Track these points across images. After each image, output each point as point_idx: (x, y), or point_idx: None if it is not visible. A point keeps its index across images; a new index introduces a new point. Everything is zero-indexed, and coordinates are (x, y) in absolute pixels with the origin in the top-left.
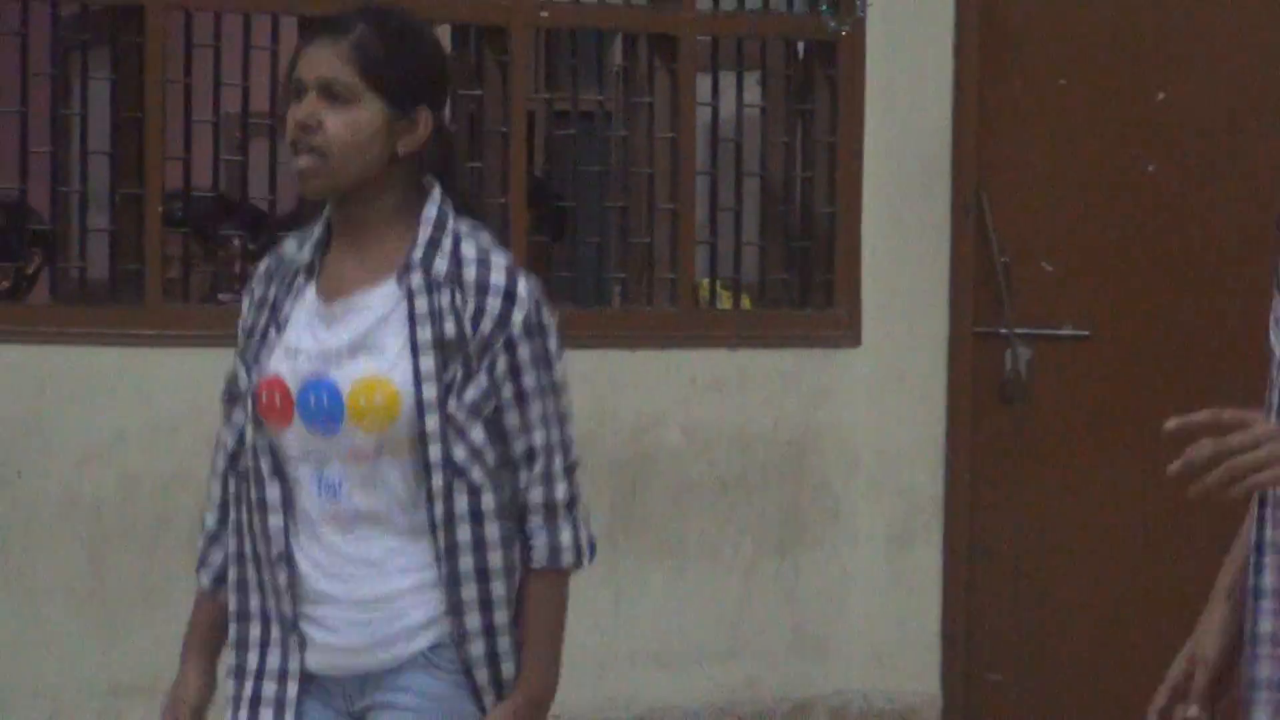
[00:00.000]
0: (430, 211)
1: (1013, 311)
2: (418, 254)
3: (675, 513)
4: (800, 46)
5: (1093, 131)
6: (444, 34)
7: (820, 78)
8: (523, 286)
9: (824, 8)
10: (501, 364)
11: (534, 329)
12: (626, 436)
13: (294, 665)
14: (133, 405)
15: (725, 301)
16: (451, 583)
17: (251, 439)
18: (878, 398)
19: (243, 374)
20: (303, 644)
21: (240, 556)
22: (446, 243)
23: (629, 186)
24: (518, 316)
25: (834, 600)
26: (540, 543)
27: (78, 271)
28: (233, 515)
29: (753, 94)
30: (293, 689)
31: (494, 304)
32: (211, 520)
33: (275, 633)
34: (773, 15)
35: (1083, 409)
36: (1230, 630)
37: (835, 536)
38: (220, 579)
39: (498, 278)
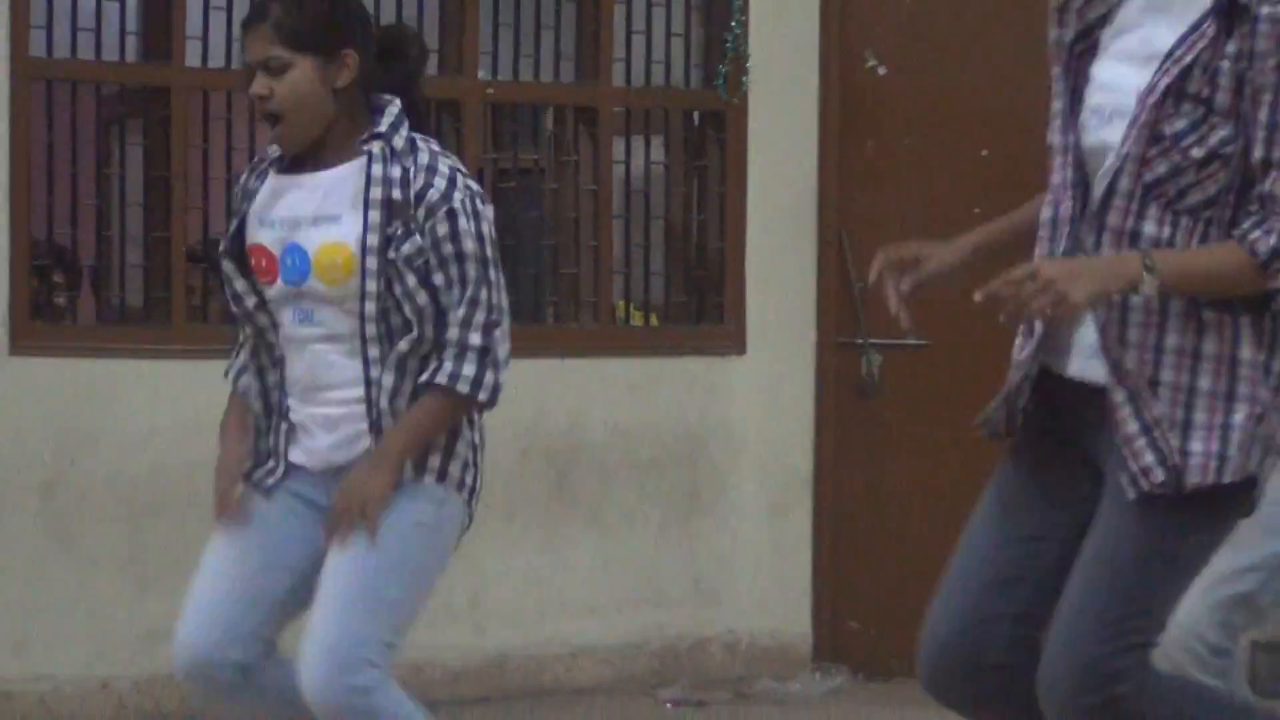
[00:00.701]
0: (393, 109)
1: (867, 326)
2: (383, 127)
3: (599, 491)
4: (696, 115)
5: (931, 181)
6: None
7: (712, 140)
8: (467, 177)
9: (718, 83)
10: (443, 228)
11: (472, 208)
12: (559, 430)
13: (283, 446)
14: (163, 407)
15: (637, 320)
16: (371, 392)
17: (238, 290)
18: (759, 396)
19: (226, 241)
20: (291, 432)
21: (259, 369)
22: (405, 131)
23: (559, 228)
24: (459, 196)
25: (725, 558)
26: (444, 368)
27: (118, 299)
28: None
29: (658, 153)
30: (281, 467)
31: (440, 183)
32: (244, 354)
33: (275, 420)
34: (674, 90)
35: (923, 404)
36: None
37: (726, 508)
38: (245, 391)
39: (445, 165)
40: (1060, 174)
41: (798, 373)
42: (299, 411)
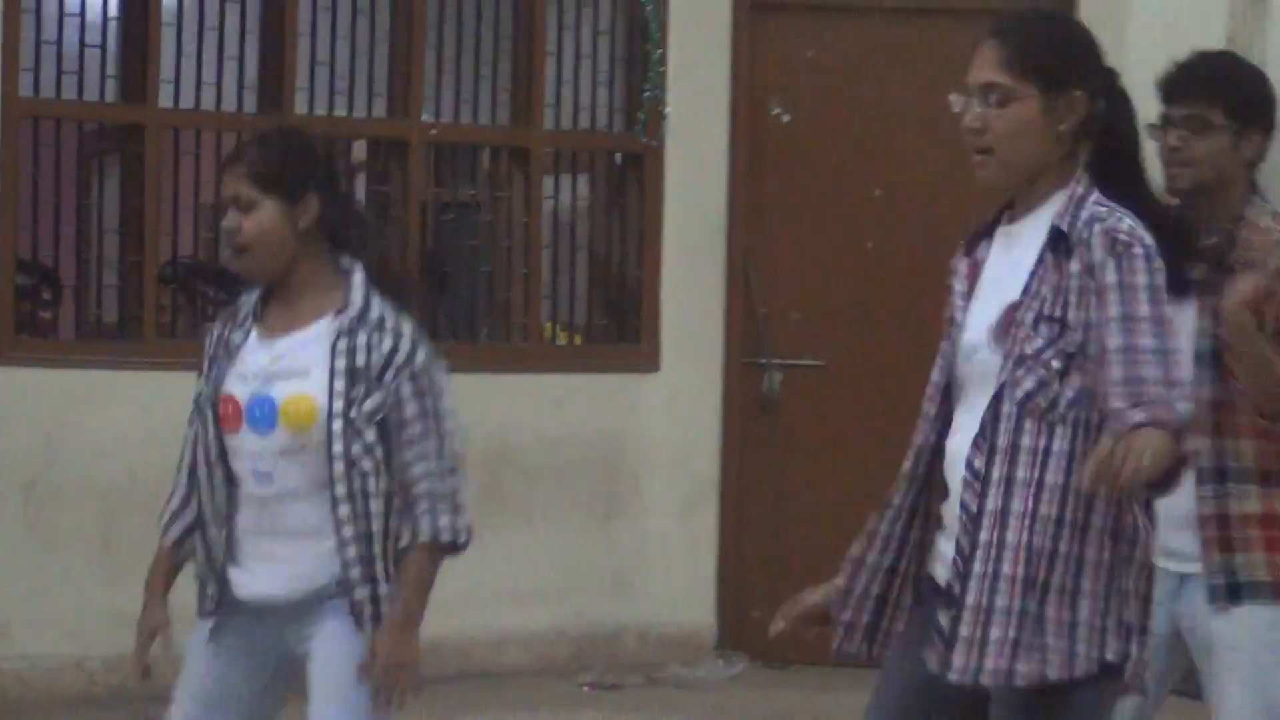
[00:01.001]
0: (358, 279)
1: (769, 347)
2: (354, 297)
3: (527, 492)
4: (618, 156)
5: (829, 216)
6: (360, 147)
7: (632, 179)
8: (424, 342)
9: (638, 128)
10: (406, 388)
11: (428, 369)
12: (492, 437)
13: (227, 597)
14: (135, 415)
15: (563, 339)
16: (340, 544)
17: (209, 438)
18: (672, 409)
19: (206, 389)
20: (229, 585)
21: (201, 523)
22: (371, 299)
23: (493, 257)
24: (419, 358)
25: (640, 555)
26: (425, 525)
27: (95, 316)
28: (192, 495)
29: (583, 190)
30: (224, 613)
31: (405, 345)
32: (176, 500)
33: (213, 578)
34: (598, 133)
35: (819, 417)
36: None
37: (640, 509)
38: (178, 542)
39: (407, 328)
40: (934, 405)
41: (706, 388)
42: (251, 553)
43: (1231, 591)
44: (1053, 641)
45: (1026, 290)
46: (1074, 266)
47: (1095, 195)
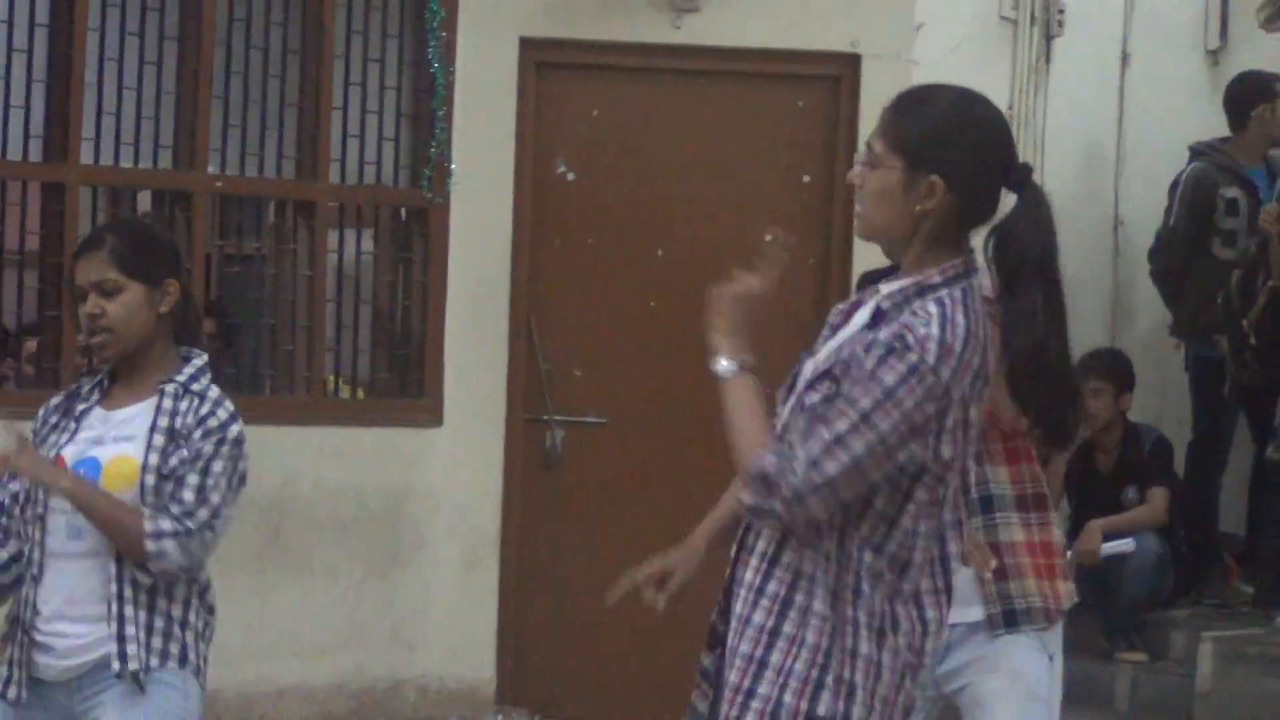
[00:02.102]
0: (199, 361)
1: (552, 404)
2: (181, 377)
3: (306, 544)
4: (403, 211)
5: (612, 276)
6: (145, 198)
7: (417, 234)
8: (236, 418)
9: (423, 184)
10: (208, 445)
11: (238, 440)
12: (273, 489)
13: (26, 658)
14: None
15: (345, 393)
16: (120, 600)
17: (32, 495)
18: (455, 464)
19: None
20: (33, 646)
21: (19, 579)
22: (203, 380)
23: (278, 309)
24: (233, 429)
25: (421, 608)
26: (155, 518)
27: None
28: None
29: (368, 245)
30: (23, 681)
31: (222, 414)
32: None
33: (20, 634)
34: (384, 189)
35: (600, 474)
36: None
37: (422, 562)
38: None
39: (229, 405)
40: None
41: (489, 444)
42: (46, 627)
43: (1008, 618)
44: (764, 689)
45: (831, 352)
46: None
47: (957, 292)
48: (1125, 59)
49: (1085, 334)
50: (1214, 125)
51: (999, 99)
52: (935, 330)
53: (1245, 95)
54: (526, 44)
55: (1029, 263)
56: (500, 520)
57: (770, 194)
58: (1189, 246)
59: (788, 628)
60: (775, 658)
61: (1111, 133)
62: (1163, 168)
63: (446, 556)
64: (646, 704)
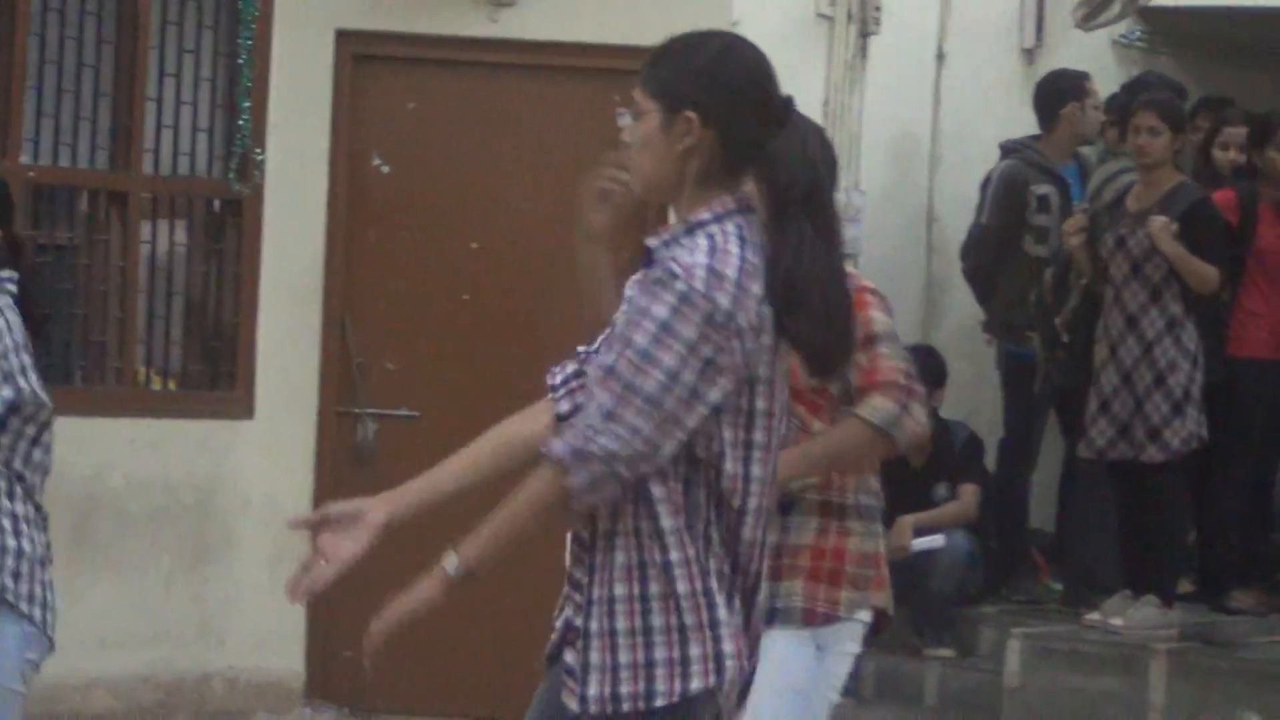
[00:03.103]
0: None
1: (364, 397)
2: None
3: (116, 537)
4: (216, 203)
5: (426, 269)
6: None
7: (230, 225)
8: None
9: (230, 175)
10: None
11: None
12: (83, 480)
13: None
14: None
15: (157, 384)
16: None
17: None
18: (266, 457)
19: None
20: None
21: None
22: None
23: (89, 300)
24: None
25: (230, 601)
26: None
27: None
28: None
29: (181, 236)
30: None
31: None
32: None
33: None
34: (197, 180)
35: (412, 467)
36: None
37: (232, 556)
38: None
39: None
40: None
41: (301, 436)
42: None
43: (768, 614)
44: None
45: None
46: None
47: (730, 226)
48: (941, 57)
49: (899, 330)
50: (1029, 123)
51: (815, 96)
52: (703, 258)
53: (1055, 94)
54: (343, 36)
55: (795, 197)
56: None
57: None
58: (1000, 243)
59: (635, 588)
60: (621, 623)
61: (926, 130)
62: (977, 165)
63: (256, 549)
64: (455, 698)
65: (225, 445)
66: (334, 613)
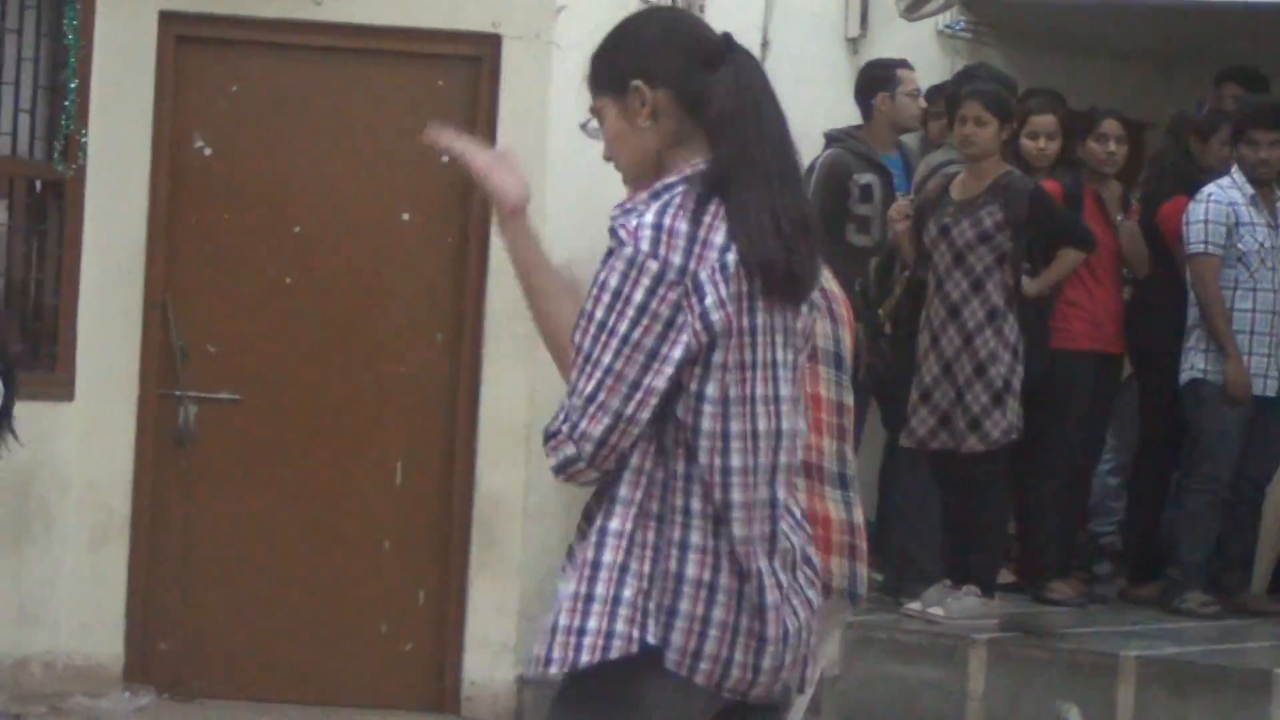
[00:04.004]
0: None
1: (186, 380)
2: None
3: None
4: (38, 184)
5: (248, 252)
6: None
7: (52, 207)
8: None
9: (55, 156)
10: None
11: None
12: None
13: None
14: None
15: None
16: None
17: None
18: (87, 440)
19: None
20: None
21: None
22: None
23: None
24: None
25: (49, 584)
26: None
27: None
28: None
29: (2, 216)
30: None
31: None
32: None
33: None
34: (19, 160)
35: (234, 451)
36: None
37: (52, 539)
38: None
39: None
40: None
41: (121, 420)
42: None
43: None
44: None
45: None
46: None
47: (695, 183)
48: (765, 45)
49: None
50: (854, 113)
51: None
52: (650, 218)
53: (867, 83)
54: (166, 17)
55: (724, 120)
56: (131, 497)
57: (409, 173)
58: (823, 231)
59: (607, 556)
60: (600, 589)
61: None
62: (802, 154)
63: (76, 533)
64: (274, 683)
65: (45, 427)
66: (153, 597)
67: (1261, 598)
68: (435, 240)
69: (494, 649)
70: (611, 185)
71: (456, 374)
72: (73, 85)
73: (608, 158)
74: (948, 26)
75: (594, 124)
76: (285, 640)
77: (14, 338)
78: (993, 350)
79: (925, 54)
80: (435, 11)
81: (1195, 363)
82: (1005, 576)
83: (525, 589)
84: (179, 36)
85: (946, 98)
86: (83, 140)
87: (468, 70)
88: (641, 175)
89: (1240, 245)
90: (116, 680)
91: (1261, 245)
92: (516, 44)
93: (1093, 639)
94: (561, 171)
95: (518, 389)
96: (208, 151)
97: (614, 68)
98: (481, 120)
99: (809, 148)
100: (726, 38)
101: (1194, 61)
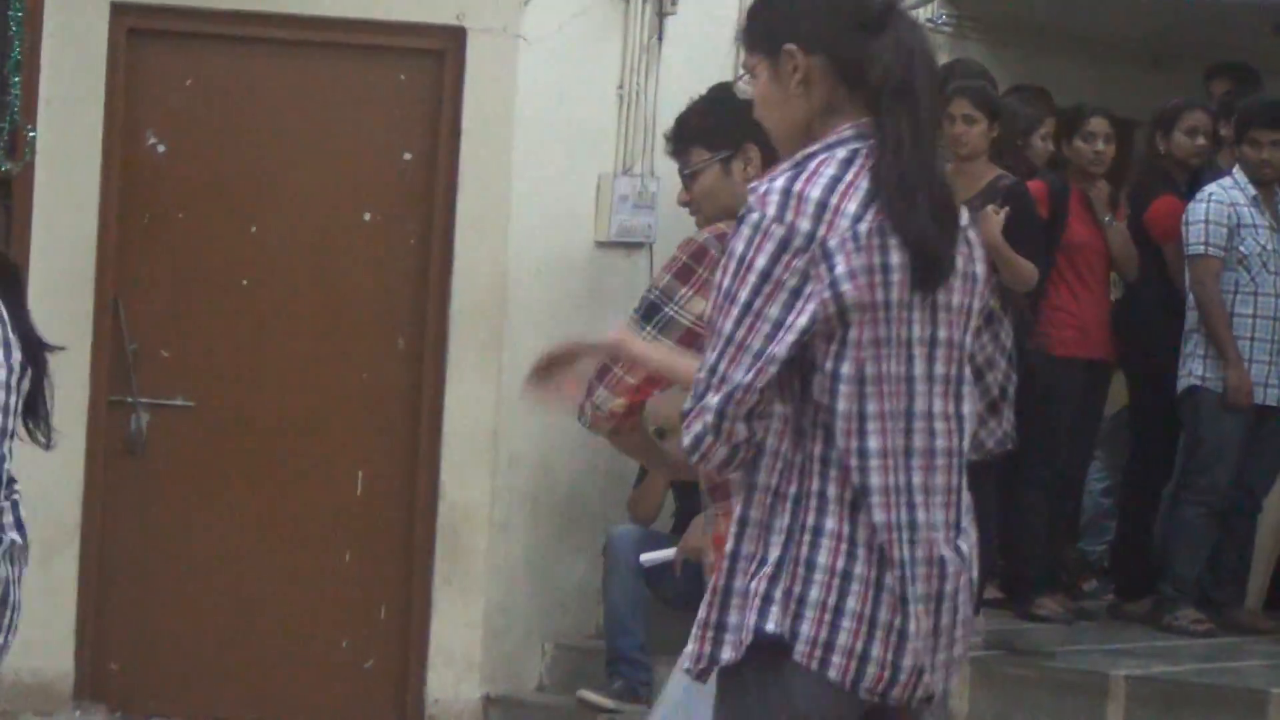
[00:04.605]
0: None
1: (138, 385)
2: None
3: None
4: None
5: (204, 254)
6: None
7: (0, 205)
8: None
9: (1, 154)
10: None
11: None
12: None
13: None
14: None
15: None
16: None
17: None
18: (33, 447)
19: None
20: None
21: None
22: None
23: None
24: None
25: None
26: None
27: None
28: None
29: None
30: None
31: None
32: None
33: None
34: None
35: (188, 460)
36: None
37: None
38: None
39: None
40: None
41: (69, 427)
42: None
43: None
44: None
45: None
46: None
47: (841, 151)
48: (739, 39)
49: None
50: None
51: (609, 77)
52: (780, 183)
53: None
54: (118, 9)
55: (890, 88)
56: (81, 508)
57: (370, 171)
58: None
59: (745, 547)
60: (737, 582)
61: None
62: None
63: None
64: (230, 701)
65: None
66: (105, 612)
67: (1256, 614)
68: (398, 241)
69: (459, 665)
70: (579, 185)
71: (419, 379)
72: (17, 79)
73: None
74: (929, 20)
75: (746, 81)
76: (242, 657)
77: None
78: (989, 356)
79: None
80: (398, 4)
81: (1193, 369)
82: (991, 592)
83: (491, 603)
84: (132, 29)
85: None
86: (30, 136)
87: (431, 65)
88: (789, 143)
89: (1241, 248)
90: (67, 699)
91: (1263, 248)
92: (482, 37)
93: (1081, 657)
94: (528, 169)
95: (483, 395)
96: (161, 148)
97: (768, 27)
98: (446, 117)
99: None
100: (888, 2)
101: (1184, 56)
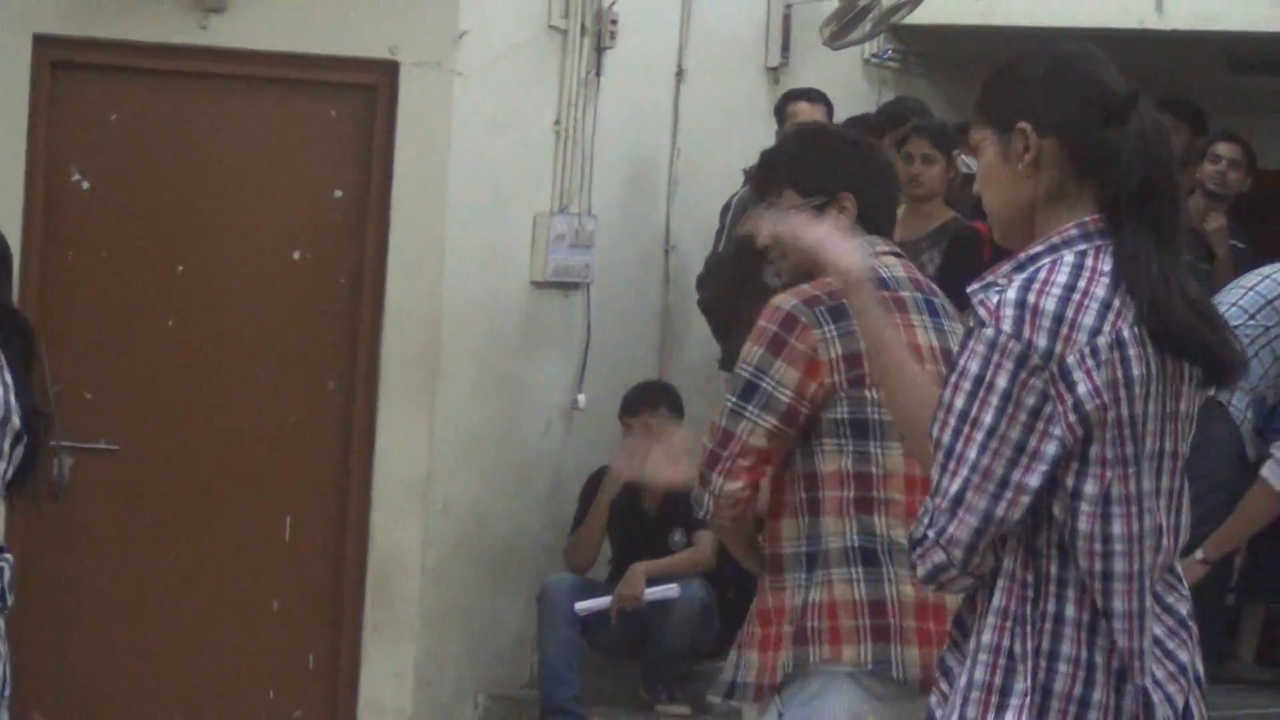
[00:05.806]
0: None
1: (60, 429)
2: None
3: None
4: None
5: (128, 292)
6: None
7: None
8: None
9: None
10: None
11: None
12: None
13: None
14: None
15: None
16: None
17: None
18: None
19: None
20: None
21: None
22: None
23: None
24: None
25: None
26: None
27: None
28: None
29: None
30: None
31: None
32: None
33: None
34: None
35: (112, 504)
36: None
37: None
38: None
39: None
40: None
41: None
42: None
43: (729, 689)
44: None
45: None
46: None
47: (1069, 255)
48: (680, 74)
49: (634, 364)
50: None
51: (547, 112)
52: (1013, 294)
53: (776, 115)
54: (41, 41)
55: (1126, 194)
56: None
57: (300, 208)
58: (739, 274)
59: (979, 675)
60: (971, 712)
61: (664, 151)
62: (717, 190)
63: None
64: None
65: None
66: (23, 660)
67: (1249, 665)
68: (328, 280)
69: (389, 716)
70: (514, 224)
71: (350, 423)
72: None
73: (985, 206)
74: (874, 56)
75: (966, 158)
76: (167, 707)
77: None
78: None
79: (851, 84)
80: (328, 36)
81: None
82: None
83: (422, 653)
84: (55, 62)
85: (869, 130)
86: None
87: (363, 99)
88: (1007, 225)
89: None
90: None
91: None
92: (415, 71)
93: None
94: (463, 207)
95: (416, 439)
96: (85, 184)
97: (1003, 102)
98: (378, 153)
99: (723, 182)
100: (1134, 91)
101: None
